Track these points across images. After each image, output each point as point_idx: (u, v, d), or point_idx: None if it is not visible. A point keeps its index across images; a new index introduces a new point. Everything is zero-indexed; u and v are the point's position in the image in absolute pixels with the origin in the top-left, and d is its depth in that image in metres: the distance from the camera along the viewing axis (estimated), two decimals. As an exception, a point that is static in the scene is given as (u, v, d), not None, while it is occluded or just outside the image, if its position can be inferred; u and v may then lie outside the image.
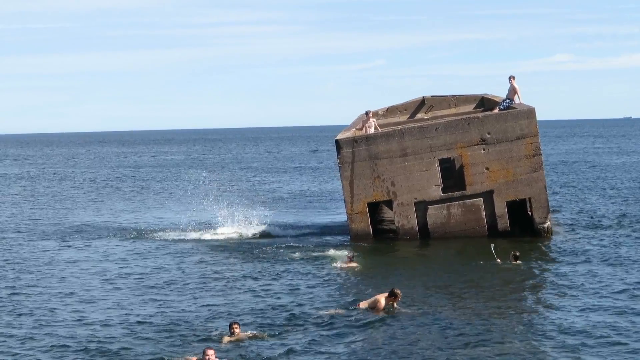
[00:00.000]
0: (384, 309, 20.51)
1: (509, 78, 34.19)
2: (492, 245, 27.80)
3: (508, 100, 34.24)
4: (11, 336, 19.43)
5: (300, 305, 21.60)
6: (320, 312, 20.65)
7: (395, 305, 20.66)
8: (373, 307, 20.62)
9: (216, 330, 19.19)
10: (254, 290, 23.76)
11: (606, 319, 19.79)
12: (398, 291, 20.67)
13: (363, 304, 20.94)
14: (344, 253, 28.59)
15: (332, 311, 20.72)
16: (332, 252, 29.81)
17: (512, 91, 34.18)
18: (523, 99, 34.14)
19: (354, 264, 27.11)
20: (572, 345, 17.70)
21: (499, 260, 26.70)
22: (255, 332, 18.76)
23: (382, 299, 20.67)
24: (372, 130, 33.84)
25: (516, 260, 26.65)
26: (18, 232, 38.16)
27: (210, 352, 16.10)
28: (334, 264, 27.48)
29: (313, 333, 18.84)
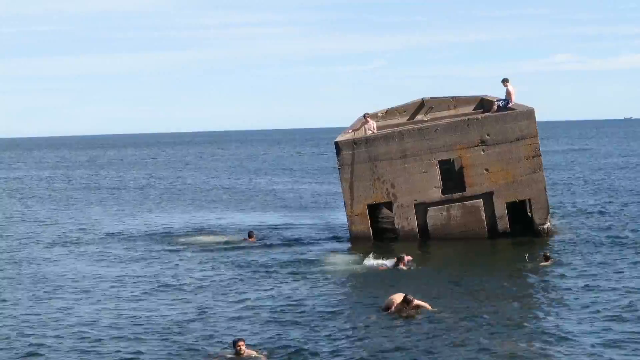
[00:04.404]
0: (398, 312, 20.49)
1: (502, 81, 34.09)
2: (526, 255, 27.75)
3: (505, 100, 34.22)
4: (16, 338, 19.46)
5: (306, 315, 20.99)
6: (328, 322, 20.17)
7: (409, 309, 20.51)
8: (388, 308, 20.65)
9: (218, 346, 18.46)
10: (258, 303, 23.00)
11: (606, 320, 19.82)
12: (410, 297, 20.58)
13: (384, 308, 20.84)
14: (346, 257, 28.44)
15: (338, 321, 20.33)
16: (332, 255, 29.77)
17: (508, 94, 34.22)
18: (523, 99, 34.29)
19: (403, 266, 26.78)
20: (577, 348, 17.72)
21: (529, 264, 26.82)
22: (260, 350, 17.80)
23: (395, 303, 20.63)
24: (370, 132, 33.86)
25: (547, 261, 26.73)
26: (23, 234, 38.18)
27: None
28: (370, 265, 27.38)
29: (323, 347, 18.20)
